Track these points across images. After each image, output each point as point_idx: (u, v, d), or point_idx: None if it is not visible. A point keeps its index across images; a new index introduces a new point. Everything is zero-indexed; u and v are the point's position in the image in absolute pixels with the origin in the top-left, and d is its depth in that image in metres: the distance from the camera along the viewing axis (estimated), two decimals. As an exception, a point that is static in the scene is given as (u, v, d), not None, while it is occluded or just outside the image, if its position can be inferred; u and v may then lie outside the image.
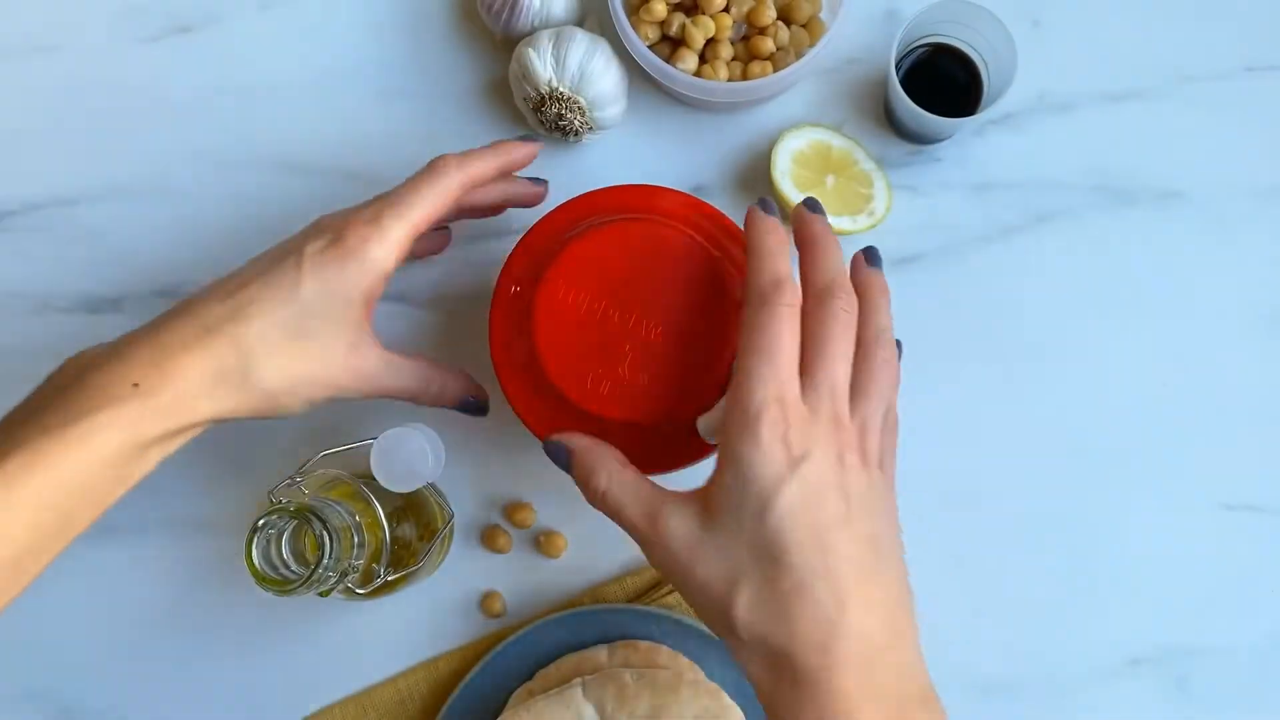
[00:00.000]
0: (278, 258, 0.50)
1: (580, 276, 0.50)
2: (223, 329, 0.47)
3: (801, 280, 0.46)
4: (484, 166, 0.54)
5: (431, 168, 0.53)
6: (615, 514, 0.45)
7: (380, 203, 0.51)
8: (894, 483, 0.46)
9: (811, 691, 0.40)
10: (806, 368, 0.43)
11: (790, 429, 0.41)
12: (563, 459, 0.48)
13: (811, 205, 0.48)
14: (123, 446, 0.45)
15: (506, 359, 0.53)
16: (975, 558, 0.64)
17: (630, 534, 0.45)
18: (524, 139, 0.57)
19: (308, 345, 0.48)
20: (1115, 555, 0.63)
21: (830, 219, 0.61)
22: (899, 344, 0.48)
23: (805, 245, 0.47)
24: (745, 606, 0.41)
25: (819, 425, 0.42)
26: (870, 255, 0.50)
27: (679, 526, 0.43)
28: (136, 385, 0.45)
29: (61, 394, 0.45)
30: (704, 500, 0.43)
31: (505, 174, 0.57)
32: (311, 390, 0.50)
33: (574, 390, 0.49)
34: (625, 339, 0.49)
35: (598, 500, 0.46)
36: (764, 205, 0.48)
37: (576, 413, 0.50)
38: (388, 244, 0.50)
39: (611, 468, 0.46)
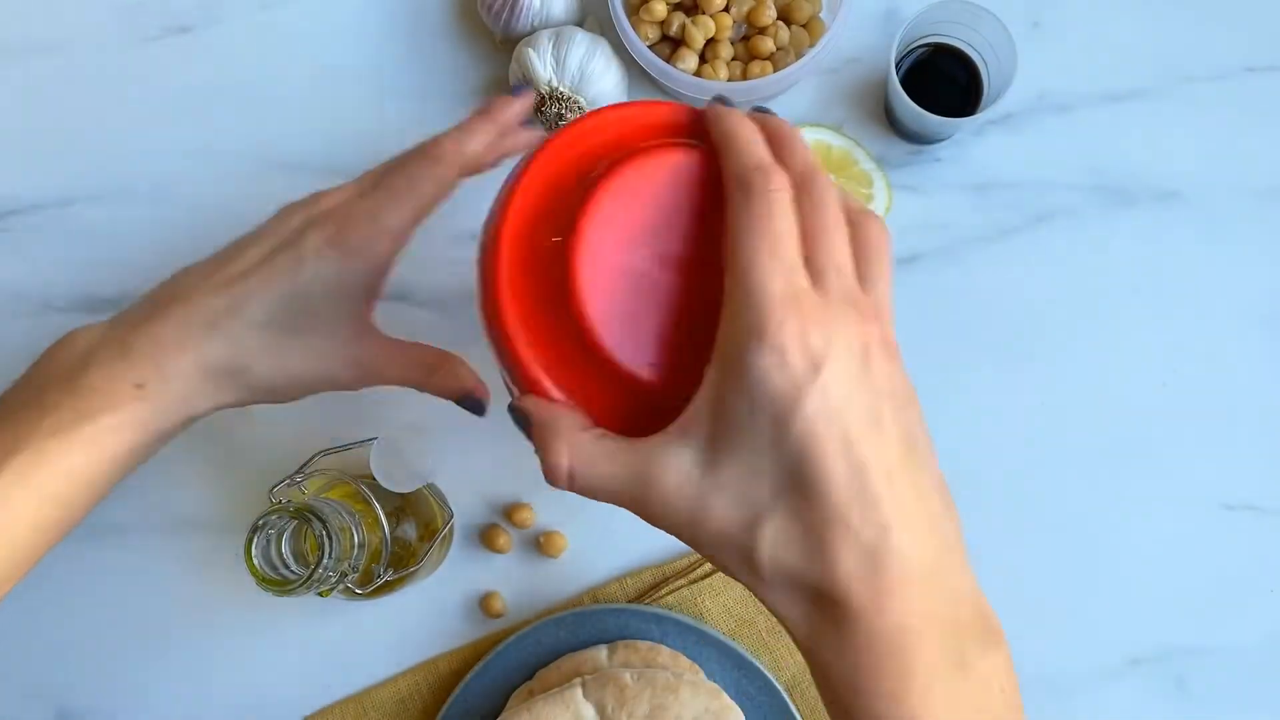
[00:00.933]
0: (277, 249, 0.49)
1: (621, 222, 0.39)
2: (221, 325, 0.47)
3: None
4: (482, 141, 0.51)
5: (427, 154, 0.51)
6: (597, 492, 0.38)
7: (379, 195, 0.50)
8: None
9: (856, 629, 0.34)
10: (809, 253, 0.36)
11: (807, 323, 0.34)
12: (521, 424, 0.40)
13: (727, 101, 0.41)
14: (128, 444, 0.46)
15: (532, 333, 0.41)
16: (974, 557, 0.63)
17: (627, 506, 0.38)
18: (516, 90, 0.54)
19: (308, 340, 0.48)
20: (1115, 555, 0.63)
21: (830, 219, 0.61)
22: None
23: (768, 137, 0.40)
24: (771, 545, 0.35)
25: (835, 314, 0.35)
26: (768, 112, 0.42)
27: (675, 475, 0.36)
28: (140, 386, 0.46)
29: (65, 390, 0.45)
30: (699, 431, 0.36)
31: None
32: (312, 383, 0.50)
33: (634, 358, 0.39)
34: (678, 294, 0.39)
35: (570, 484, 0.38)
36: (724, 101, 0.41)
37: (628, 389, 0.40)
38: (389, 240, 0.50)
39: (574, 436, 0.38)
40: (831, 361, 0.34)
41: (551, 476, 0.38)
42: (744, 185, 0.37)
